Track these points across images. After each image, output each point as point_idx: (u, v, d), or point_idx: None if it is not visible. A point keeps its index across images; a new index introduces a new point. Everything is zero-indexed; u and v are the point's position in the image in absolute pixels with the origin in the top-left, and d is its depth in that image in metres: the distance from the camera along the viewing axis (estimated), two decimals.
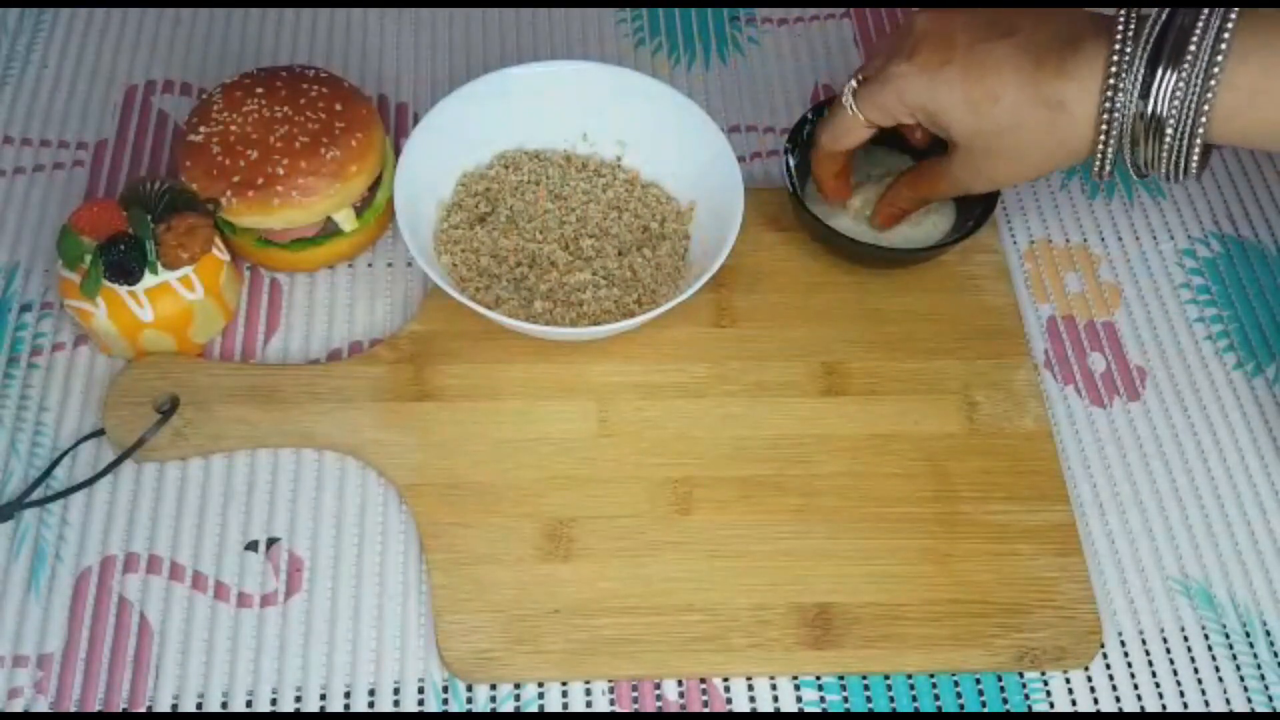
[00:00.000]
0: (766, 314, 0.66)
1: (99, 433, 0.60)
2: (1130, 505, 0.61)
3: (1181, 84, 0.47)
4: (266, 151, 0.61)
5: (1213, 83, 0.47)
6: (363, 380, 0.62)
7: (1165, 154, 0.50)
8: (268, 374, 0.62)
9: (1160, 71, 0.48)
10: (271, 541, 0.58)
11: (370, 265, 0.68)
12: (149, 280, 0.59)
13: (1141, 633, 0.58)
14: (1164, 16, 0.48)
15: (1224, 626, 0.58)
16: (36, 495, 0.58)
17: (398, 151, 0.64)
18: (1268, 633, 0.58)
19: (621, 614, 0.56)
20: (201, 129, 0.62)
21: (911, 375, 0.64)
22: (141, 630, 0.55)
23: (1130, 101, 0.49)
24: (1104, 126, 0.50)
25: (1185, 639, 0.58)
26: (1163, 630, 0.58)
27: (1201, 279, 0.70)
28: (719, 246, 0.61)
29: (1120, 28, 0.49)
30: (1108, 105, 0.49)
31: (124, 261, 0.57)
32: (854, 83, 0.58)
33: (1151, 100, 0.48)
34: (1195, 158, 0.49)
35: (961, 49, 0.53)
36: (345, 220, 0.64)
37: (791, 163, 0.66)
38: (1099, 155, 0.51)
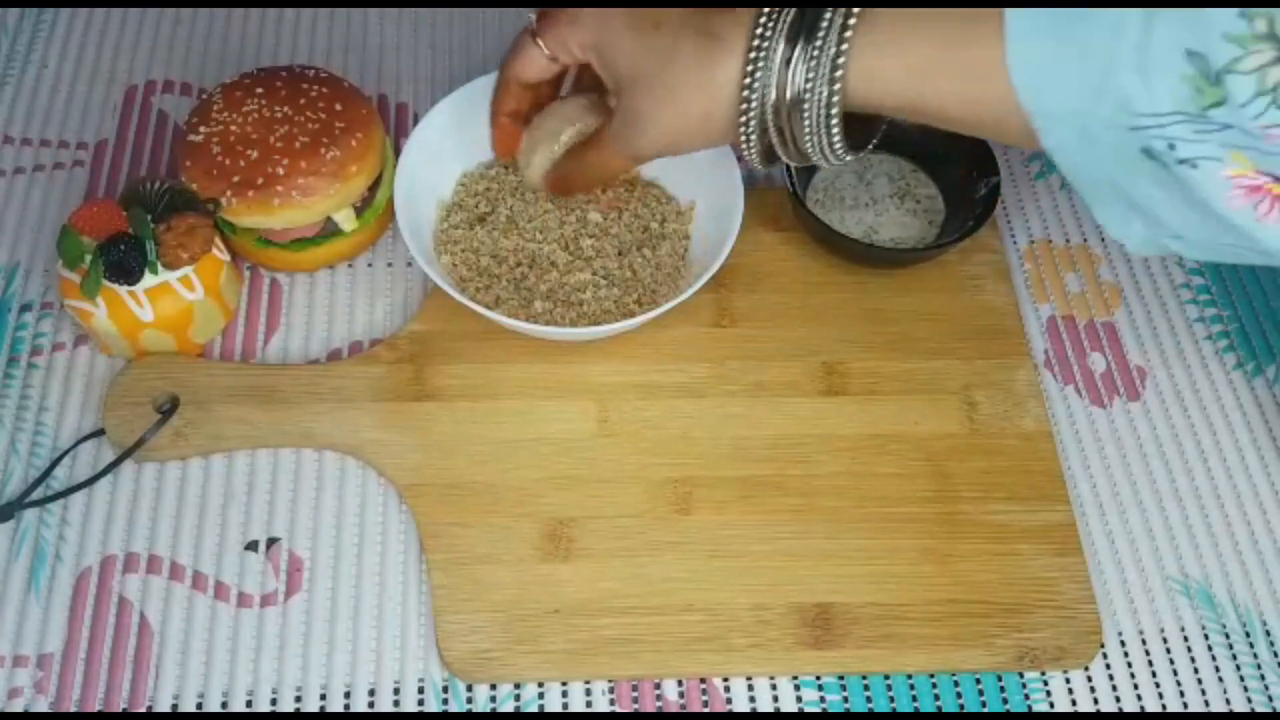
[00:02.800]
0: (766, 314, 0.66)
1: (99, 433, 0.60)
2: (1130, 505, 0.61)
3: (818, 43, 0.46)
4: (266, 151, 0.61)
5: (846, 38, 0.46)
6: (363, 380, 0.62)
7: (807, 123, 0.48)
8: (268, 374, 0.62)
9: (799, 37, 0.47)
10: (271, 541, 0.58)
11: (370, 265, 0.68)
12: (149, 280, 0.59)
13: (1141, 633, 0.58)
14: None
15: (1224, 626, 0.58)
16: (36, 495, 0.58)
17: (398, 151, 0.64)
18: (1268, 633, 0.58)
19: (621, 614, 0.56)
20: (201, 129, 0.62)
21: (911, 375, 0.64)
22: (141, 630, 0.55)
23: (774, 50, 0.47)
24: (748, 72, 0.48)
25: (1185, 639, 0.58)
26: (1163, 630, 0.58)
27: (1201, 279, 0.70)
28: (719, 246, 0.61)
29: None
30: (755, 47, 0.48)
31: (124, 261, 0.57)
32: (536, 10, 0.56)
33: (791, 64, 0.47)
34: (836, 127, 0.48)
35: None
36: (345, 220, 0.64)
37: (792, 163, 0.66)
38: (743, 109, 0.49)
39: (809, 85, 0.47)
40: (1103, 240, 0.71)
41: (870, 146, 0.52)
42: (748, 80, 0.48)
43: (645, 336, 0.63)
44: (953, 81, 0.45)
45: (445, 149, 0.65)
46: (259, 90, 0.63)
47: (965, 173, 0.67)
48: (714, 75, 0.49)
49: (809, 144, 0.50)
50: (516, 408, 0.62)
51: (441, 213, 0.66)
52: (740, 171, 0.63)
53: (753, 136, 0.50)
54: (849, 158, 0.50)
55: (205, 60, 0.76)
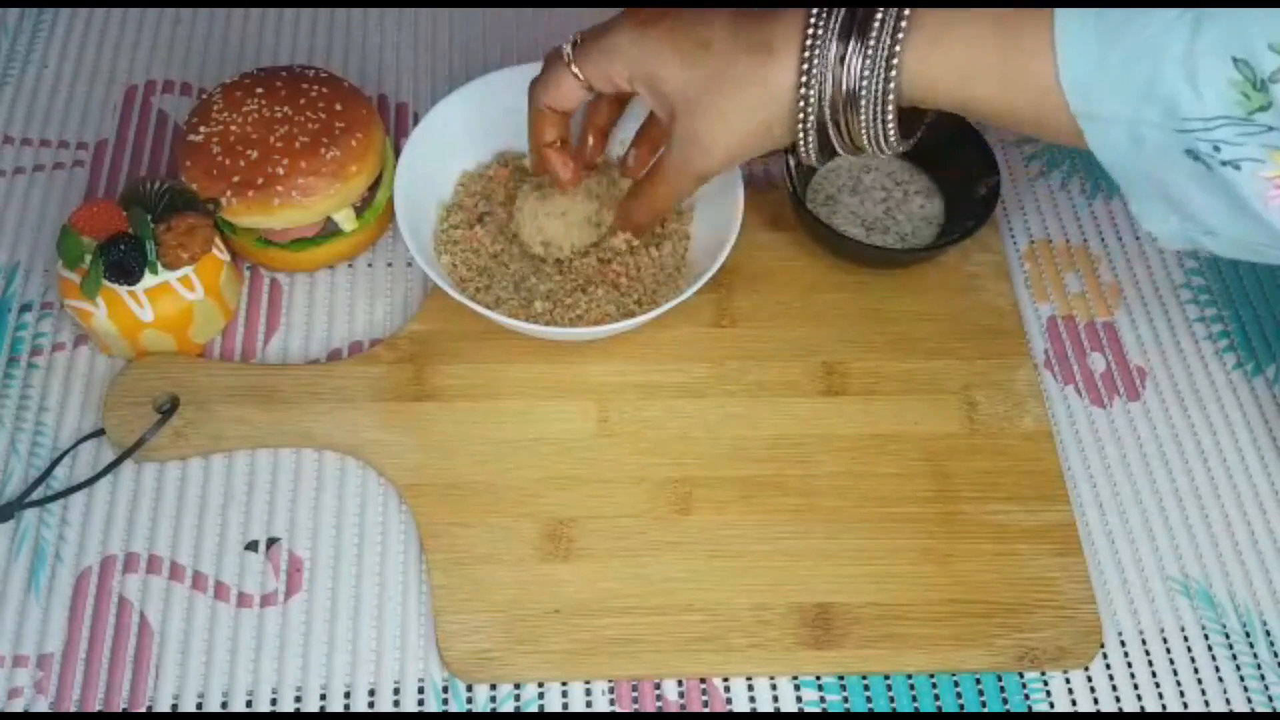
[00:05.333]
0: (766, 314, 0.66)
1: (99, 433, 0.60)
2: (1130, 505, 0.61)
3: (872, 40, 0.47)
4: (266, 151, 0.61)
5: (900, 35, 0.47)
6: (363, 380, 0.62)
7: (863, 117, 0.49)
8: (268, 374, 0.62)
9: (852, 35, 0.48)
10: (271, 541, 0.58)
11: (370, 265, 0.68)
12: (149, 280, 0.59)
13: (1141, 633, 0.58)
14: None
15: (1224, 626, 0.58)
16: (36, 495, 0.58)
17: (398, 151, 0.64)
18: (1268, 633, 0.58)
19: (621, 614, 0.56)
20: (201, 129, 0.62)
21: (911, 375, 0.64)
22: (141, 630, 0.55)
23: (828, 50, 0.48)
24: (804, 73, 0.49)
25: (1185, 639, 0.58)
26: (1163, 630, 0.58)
27: (1201, 279, 0.70)
28: (719, 246, 0.61)
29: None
30: (808, 49, 0.49)
31: (124, 261, 0.57)
32: (574, 38, 0.55)
33: (846, 61, 0.48)
34: (891, 120, 0.49)
35: (674, 12, 0.52)
36: (345, 220, 0.64)
37: (791, 163, 0.66)
38: (801, 109, 0.50)
39: (864, 82, 0.48)
40: (1103, 240, 0.71)
41: (919, 134, 0.53)
42: (804, 82, 0.49)
43: (645, 336, 0.63)
44: (1003, 84, 0.46)
45: (445, 149, 0.65)
46: (259, 90, 0.63)
47: (965, 173, 0.67)
48: (769, 87, 0.50)
49: (864, 136, 0.50)
50: (516, 408, 0.61)
51: (441, 213, 0.66)
52: (740, 172, 0.63)
53: (810, 135, 0.51)
54: (902, 147, 0.51)
55: (205, 60, 0.76)
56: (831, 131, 0.51)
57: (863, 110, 0.49)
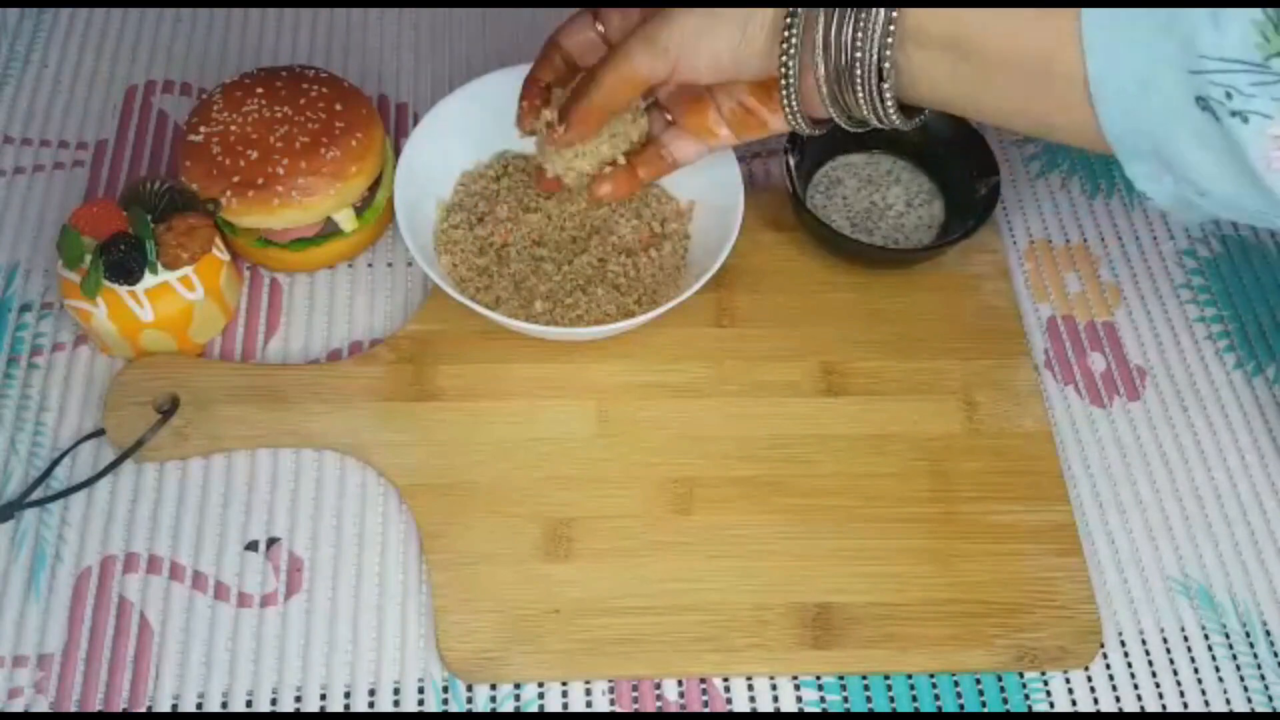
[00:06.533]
0: (767, 314, 0.66)
1: (99, 433, 0.60)
2: (1130, 505, 0.61)
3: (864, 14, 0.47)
4: (266, 151, 0.61)
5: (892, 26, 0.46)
6: (363, 380, 0.62)
7: (859, 83, 0.49)
8: (268, 374, 0.62)
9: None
10: (271, 541, 0.58)
11: (370, 265, 0.68)
12: (149, 280, 0.59)
13: (1141, 633, 0.58)
14: None
15: (1224, 626, 0.58)
16: (36, 495, 0.58)
17: (398, 151, 0.64)
18: (1268, 633, 0.58)
19: (621, 614, 0.56)
20: (201, 129, 0.62)
21: (911, 375, 0.64)
22: (141, 630, 0.55)
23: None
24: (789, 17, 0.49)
25: (1185, 639, 0.58)
26: (1163, 630, 0.58)
27: (1201, 279, 0.70)
28: (719, 246, 0.61)
29: None
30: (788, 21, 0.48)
31: (124, 261, 0.57)
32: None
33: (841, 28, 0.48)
34: (889, 87, 0.48)
35: None
36: (345, 220, 0.64)
37: (791, 163, 0.66)
38: (785, 39, 0.49)
39: (859, 45, 0.47)
40: (1103, 240, 0.71)
41: (925, 114, 0.52)
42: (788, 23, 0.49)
43: (645, 336, 0.63)
44: (1014, 20, 0.45)
45: (445, 149, 0.65)
46: (259, 90, 0.63)
47: (965, 173, 0.67)
48: (751, 19, 0.50)
49: (862, 105, 0.49)
50: (516, 408, 0.61)
51: (441, 213, 0.66)
52: (740, 171, 0.63)
53: (792, 75, 0.50)
54: (905, 125, 0.50)
55: (205, 60, 0.76)
56: (826, 92, 0.49)
57: (858, 76, 0.48)
